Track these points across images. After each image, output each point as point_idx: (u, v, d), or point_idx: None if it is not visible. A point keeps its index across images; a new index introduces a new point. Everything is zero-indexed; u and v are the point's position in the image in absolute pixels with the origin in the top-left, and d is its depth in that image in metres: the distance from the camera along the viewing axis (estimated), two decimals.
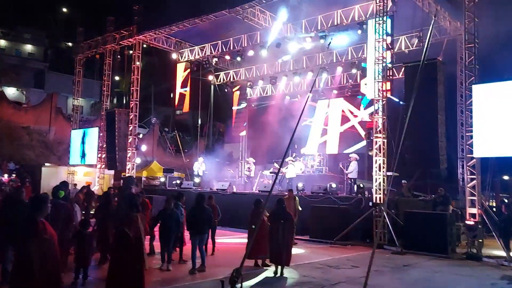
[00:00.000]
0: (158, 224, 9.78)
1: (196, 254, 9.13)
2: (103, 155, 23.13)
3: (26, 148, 29.28)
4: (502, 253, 11.64)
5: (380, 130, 14.23)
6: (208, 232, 9.99)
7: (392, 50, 15.07)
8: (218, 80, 26.22)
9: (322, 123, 23.72)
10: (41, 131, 30.92)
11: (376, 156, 14.21)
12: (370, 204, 14.13)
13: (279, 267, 9.22)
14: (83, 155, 23.96)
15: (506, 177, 26.26)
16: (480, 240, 12.33)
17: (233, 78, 25.65)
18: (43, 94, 35.67)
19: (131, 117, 22.01)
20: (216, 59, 23.10)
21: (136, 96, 22.08)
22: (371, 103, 16.21)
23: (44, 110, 31.82)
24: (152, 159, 32.07)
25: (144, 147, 31.48)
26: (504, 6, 14.02)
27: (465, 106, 13.41)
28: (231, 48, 21.02)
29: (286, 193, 17.48)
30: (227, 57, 23.24)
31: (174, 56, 23.27)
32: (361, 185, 16.44)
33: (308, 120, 23.81)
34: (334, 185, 16.40)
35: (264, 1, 17.34)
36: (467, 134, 13.18)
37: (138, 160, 24.85)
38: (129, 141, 21.94)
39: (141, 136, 31.93)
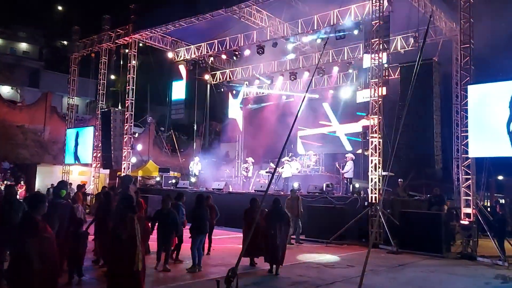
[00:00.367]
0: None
1: (198, 253, 9.19)
2: (99, 154, 23.05)
3: (20, 147, 29.12)
4: (496, 252, 11.69)
5: (376, 130, 14.26)
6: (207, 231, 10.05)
7: (387, 51, 15.12)
8: (215, 80, 26.19)
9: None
10: (36, 130, 30.75)
11: (371, 156, 14.24)
12: (366, 203, 14.17)
13: (274, 266, 9.25)
14: (77, 154, 23.87)
15: (500, 177, 26.41)
16: (475, 240, 12.40)
17: (229, 78, 25.64)
18: (38, 93, 35.45)
19: (126, 116, 21.95)
20: (212, 58, 23.07)
21: (132, 95, 22.02)
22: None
23: (39, 109, 31.65)
24: (147, 158, 31.99)
25: (139, 147, 31.43)
26: (499, 7, 14.09)
27: (460, 107, 13.46)
28: (228, 47, 21.01)
29: (282, 193, 17.63)
30: (224, 56, 23.23)
31: (170, 55, 23.22)
32: (356, 185, 16.50)
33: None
34: (330, 185, 16.45)
35: (261, 1, 17.33)
36: (462, 134, 13.21)
37: (133, 160, 24.79)
38: (125, 140, 21.88)
39: (136, 135, 31.86)
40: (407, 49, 18.25)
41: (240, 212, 10.58)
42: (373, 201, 13.89)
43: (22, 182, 22.68)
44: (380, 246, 13.11)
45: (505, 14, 14.03)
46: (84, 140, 23.59)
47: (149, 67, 28.92)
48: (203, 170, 21.96)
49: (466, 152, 12.82)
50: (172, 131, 35.53)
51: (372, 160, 14.19)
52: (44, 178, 25.07)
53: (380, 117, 14.28)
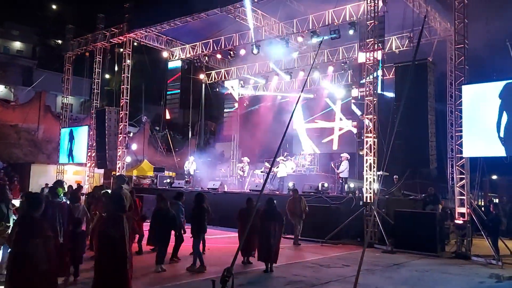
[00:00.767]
0: (149, 223, 9.75)
1: (200, 252, 9.22)
2: (93, 154, 22.95)
3: (14, 146, 28.93)
4: (490, 252, 11.76)
5: (370, 130, 14.30)
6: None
7: (383, 50, 15.16)
8: (210, 79, 26.14)
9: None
10: (30, 130, 30.56)
11: (366, 155, 14.27)
12: (361, 203, 14.21)
13: (268, 264, 9.33)
14: (69, 153, 23.75)
15: (494, 177, 26.61)
16: (469, 239, 12.47)
17: (224, 77, 25.61)
18: (32, 92, 35.21)
19: (121, 116, 21.86)
20: (207, 58, 23.03)
21: (127, 94, 21.93)
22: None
23: (33, 108, 31.45)
24: (142, 158, 31.89)
25: (134, 146, 31.31)
26: (493, 7, 14.16)
27: (455, 106, 13.51)
28: (223, 46, 20.98)
29: (277, 192, 17.65)
30: (219, 56, 23.20)
31: (165, 54, 23.16)
32: (351, 185, 16.54)
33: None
34: (325, 185, 16.48)
35: (256, 0, 17.31)
36: (456, 134, 13.27)
37: (128, 159, 24.69)
38: (119, 139, 21.79)
39: (131, 134, 31.72)
40: (402, 49, 18.33)
41: (235, 212, 10.58)
42: (368, 200, 13.93)
43: (15, 182, 22.52)
44: (375, 246, 13.16)
45: (499, 14, 14.11)
46: (79, 140, 23.47)
47: (143, 67, 28.84)
48: (198, 169, 21.92)
49: (461, 152, 12.88)
50: (167, 130, 35.45)
51: (367, 160, 14.23)
52: (38, 178, 24.88)
53: (375, 117, 14.33)
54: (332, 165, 18.37)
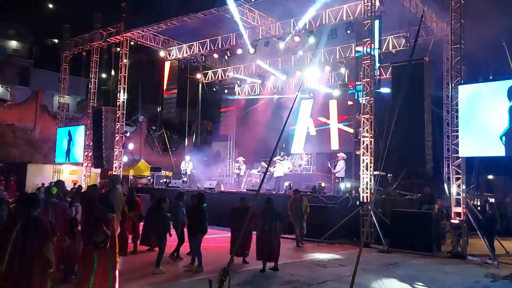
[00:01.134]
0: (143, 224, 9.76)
1: (200, 252, 9.24)
2: (90, 153, 22.90)
3: (10, 146, 28.83)
4: (486, 251, 11.81)
5: (367, 130, 14.32)
6: None
7: (379, 50, 15.19)
8: (206, 79, 26.13)
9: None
10: (26, 129, 30.48)
11: (363, 155, 14.30)
12: (357, 203, 14.23)
13: (273, 263, 9.41)
14: (67, 153, 23.68)
15: (490, 177, 26.69)
16: (465, 239, 12.51)
17: (221, 77, 25.60)
18: (28, 91, 35.12)
19: (118, 115, 21.81)
20: (204, 57, 23.01)
21: (123, 94, 21.88)
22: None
23: (29, 107, 31.37)
24: (139, 157, 31.85)
25: (131, 146, 31.26)
26: (490, 7, 14.20)
27: (451, 106, 13.54)
28: (220, 46, 20.97)
29: (274, 192, 17.64)
30: (215, 56, 23.17)
31: (162, 54, 23.12)
32: (348, 185, 16.56)
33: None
34: (322, 184, 16.49)
35: (253, 0, 17.30)
36: (452, 134, 13.31)
37: (125, 159, 24.66)
38: (116, 139, 21.74)
39: (128, 134, 31.67)
40: (398, 49, 18.35)
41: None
42: (365, 200, 13.95)
43: (12, 182, 22.45)
44: (372, 245, 13.17)
45: (496, 14, 14.15)
46: (76, 139, 23.41)
47: (140, 66, 28.84)
48: (194, 169, 21.91)
49: (457, 152, 12.92)
50: (163, 130, 35.42)
51: (363, 160, 14.25)
52: (35, 177, 24.82)
53: (372, 117, 14.35)
54: (329, 165, 18.38)
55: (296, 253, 12.08)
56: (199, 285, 8.00)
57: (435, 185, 17.74)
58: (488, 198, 24.56)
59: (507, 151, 11.89)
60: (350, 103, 21.48)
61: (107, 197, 6.49)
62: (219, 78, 25.67)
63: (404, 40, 17.91)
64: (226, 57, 21.61)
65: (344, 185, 16.82)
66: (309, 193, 15.83)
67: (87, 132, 23.02)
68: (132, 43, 22.57)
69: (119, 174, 20.78)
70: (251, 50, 19.37)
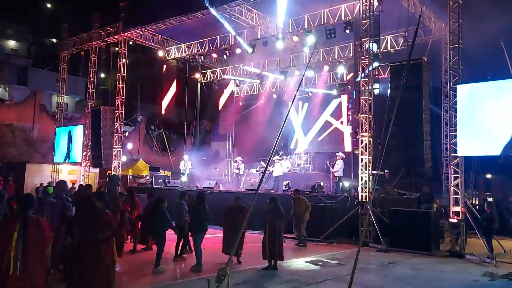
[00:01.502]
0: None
1: (200, 251, 9.27)
2: (88, 153, 22.88)
3: (8, 145, 28.78)
4: (484, 250, 11.84)
5: (366, 129, 14.35)
6: None
7: (378, 50, 15.20)
8: (205, 78, 26.13)
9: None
10: (25, 129, 30.42)
11: (361, 154, 14.32)
12: (356, 202, 14.25)
13: (272, 262, 9.48)
14: (67, 153, 23.66)
15: (488, 176, 26.71)
16: (463, 238, 12.54)
17: (220, 76, 25.60)
18: (27, 91, 35.06)
19: (116, 115, 21.79)
20: (203, 57, 23.00)
21: (122, 93, 21.87)
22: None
23: (28, 107, 31.31)
24: (138, 157, 31.82)
25: (130, 145, 31.23)
26: (488, 7, 14.23)
27: (449, 106, 13.56)
28: (218, 46, 20.97)
29: (273, 191, 17.66)
30: (214, 55, 23.17)
31: (160, 53, 23.11)
32: (346, 184, 16.58)
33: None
34: (321, 184, 16.51)
35: (251, 0, 17.31)
36: (451, 133, 13.33)
37: (124, 158, 24.65)
38: (115, 139, 21.73)
39: (126, 134, 31.65)
40: (397, 48, 18.37)
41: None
42: (363, 199, 13.97)
43: (10, 181, 22.42)
44: (370, 245, 13.20)
45: (494, 14, 14.18)
46: (74, 139, 23.39)
47: (139, 66, 28.82)
48: (193, 168, 21.92)
49: (455, 151, 12.94)
50: (162, 129, 35.40)
51: (362, 159, 14.27)
52: (33, 177, 24.78)
53: (370, 116, 14.37)
54: (328, 164, 18.40)
55: (295, 252, 12.09)
56: (198, 285, 8.01)
57: (433, 184, 17.77)
58: (487, 197, 24.59)
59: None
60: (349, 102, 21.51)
61: (103, 194, 6.50)
62: (218, 77, 25.69)
63: (402, 40, 17.92)
64: (224, 56, 21.61)
65: (343, 185, 16.84)
66: (308, 192, 15.84)
67: (86, 132, 23.01)
68: (130, 42, 22.55)
69: (118, 174, 20.79)
70: (249, 50, 19.37)
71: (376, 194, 14.94)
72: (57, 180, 22.28)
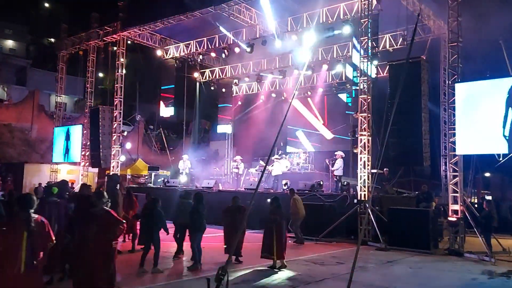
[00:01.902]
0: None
1: (199, 250, 9.29)
2: (87, 153, 22.86)
3: (7, 146, 28.75)
4: (483, 248, 11.85)
5: (364, 128, 14.35)
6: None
7: (376, 49, 15.20)
8: (204, 78, 26.11)
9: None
10: (23, 129, 30.39)
11: (360, 153, 14.32)
12: (355, 201, 14.26)
13: (277, 261, 9.54)
14: (66, 153, 23.65)
15: (487, 174, 26.72)
16: (462, 236, 12.55)
17: (219, 76, 25.59)
18: (25, 91, 35.00)
19: (115, 115, 21.78)
20: (201, 56, 22.98)
21: (120, 93, 21.86)
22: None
23: (26, 107, 31.27)
24: (137, 157, 31.77)
25: (128, 145, 31.20)
26: (487, 5, 14.23)
27: (448, 104, 13.58)
28: (217, 45, 20.95)
29: (272, 191, 17.66)
30: (213, 54, 23.16)
31: (159, 53, 23.09)
32: (345, 183, 16.58)
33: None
34: (320, 183, 16.52)
35: None
36: (449, 131, 13.35)
37: (122, 158, 24.62)
38: (114, 138, 21.72)
39: (125, 133, 31.56)
40: (395, 47, 18.36)
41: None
42: (362, 198, 13.98)
43: (9, 181, 22.42)
44: (369, 243, 13.21)
45: (493, 12, 14.19)
46: (73, 139, 23.39)
47: (137, 65, 28.77)
48: (192, 168, 21.91)
49: (454, 150, 12.95)
50: (161, 129, 35.35)
51: (361, 158, 14.27)
52: (32, 177, 24.78)
53: (369, 115, 14.37)
54: (327, 163, 18.41)
55: (294, 251, 12.09)
56: (197, 284, 8.01)
57: (432, 183, 17.80)
58: (485, 196, 24.61)
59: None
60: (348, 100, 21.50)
61: (101, 193, 6.49)
62: (217, 77, 25.67)
63: (401, 39, 17.92)
64: (223, 55, 21.59)
65: (342, 183, 16.85)
66: (307, 191, 15.85)
67: (85, 132, 23.00)
68: (129, 42, 22.52)
69: (117, 174, 20.77)
70: (248, 49, 19.35)
71: (375, 193, 14.97)
72: (55, 180, 22.34)
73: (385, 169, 16.47)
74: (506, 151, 11.91)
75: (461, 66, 13.07)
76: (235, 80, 25.34)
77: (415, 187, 17.10)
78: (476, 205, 17.04)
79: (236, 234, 8.91)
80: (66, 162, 24.30)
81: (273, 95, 25.31)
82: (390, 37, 18.52)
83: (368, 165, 14.11)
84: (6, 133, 29.27)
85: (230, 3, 17.61)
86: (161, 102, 24.37)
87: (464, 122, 12.63)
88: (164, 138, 32.71)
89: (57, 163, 24.49)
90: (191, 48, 22.35)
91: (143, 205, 11.87)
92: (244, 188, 18.38)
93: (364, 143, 14.29)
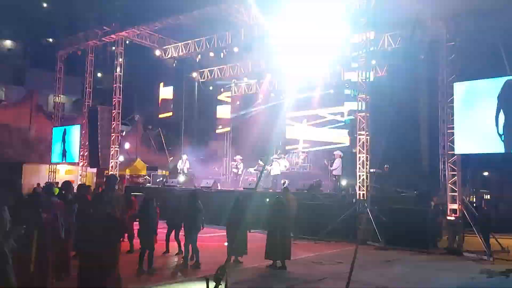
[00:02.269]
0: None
1: (196, 249, 9.30)
2: (86, 153, 22.83)
3: (5, 146, 28.69)
4: (481, 248, 11.87)
5: (363, 127, 14.35)
6: None
7: (374, 48, 15.22)
8: (202, 77, 26.08)
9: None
10: (21, 129, 30.34)
11: (359, 153, 14.33)
12: (354, 200, 14.26)
13: (279, 261, 9.58)
14: (64, 153, 23.62)
15: (486, 173, 26.77)
16: (461, 235, 12.57)
17: (218, 75, 25.56)
18: (23, 91, 34.96)
19: (113, 114, 21.75)
20: (200, 56, 22.95)
21: (119, 93, 21.82)
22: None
23: (24, 107, 31.23)
24: (135, 157, 31.75)
25: (127, 145, 31.20)
26: (486, 4, 14.23)
27: (446, 104, 13.60)
28: (215, 45, 20.92)
29: (270, 190, 17.66)
30: (211, 54, 23.11)
31: (157, 52, 23.06)
32: (344, 182, 16.58)
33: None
34: (319, 182, 16.52)
35: None
36: (448, 131, 13.37)
37: (121, 158, 24.60)
38: (112, 138, 21.68)
39: (124, 133, 31.59)
40: (394, 47, 18.34)
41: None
42: (361, 198, 13.98)
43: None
44: (368, 243, 13.21)
45: (491, 12, 14.19)
46: (72, 139, 23.36)
47: (136, 65, 28.70)
48: (191, 168, 21.89)
49: (452, 149, 12.97)
50: (160, 129, 35.31)
51: (360, 157, 14.28)
52: (30, 177, 24.75)
53: (368, 114, 14.38)
54: (326, 162, 18.40)
55: (293, 251, 12.08)
56: (197, 284, 8.01)
57: (431, 182, 17.80)
58: (484, 195, 24.66)
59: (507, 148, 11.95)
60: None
61: (101, 196, 6.49)
62: (215, 76, 25.65)
63: (399, 38, 17.91)
64: (222, 55, 21.56)
65: (341, 183, 16.85)
66: (306, 191, 15.85)
67: (83, 132, 22.97)
68: (127, 42, 22.49)
69: (116, 174, 20.75)
70: (247, 49, 19.33)
71: (374, 192, 14.98)
72: (54, 180, 22.31)
73: (385, 166, 16.47)
74: (503, 150, 11.95)
75: (459, 66, 13.08)
76: (234, 80, 25.28)
77: (414, 187, 17.10)
78: (474, 204, 17.07)
79: (235, 234, 8.93)
80: (64, 162, 24.26)
81: (272, 94, 25.27)
82: (388, 37, 18.48)
83: (366, 164, 14.12)
84: (4, 133, 29.21)
85: (229, 2, 17.58)
86: (160, 102, 24.33)
87: (462, 122, 12.66)
88: (162, 138, 32.66)
89: (56, 163, 24.45)
90: (189, 48, 22.32)
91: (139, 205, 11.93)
92: (243, 188, 18.36)
93: (363, 142, 14.29)
